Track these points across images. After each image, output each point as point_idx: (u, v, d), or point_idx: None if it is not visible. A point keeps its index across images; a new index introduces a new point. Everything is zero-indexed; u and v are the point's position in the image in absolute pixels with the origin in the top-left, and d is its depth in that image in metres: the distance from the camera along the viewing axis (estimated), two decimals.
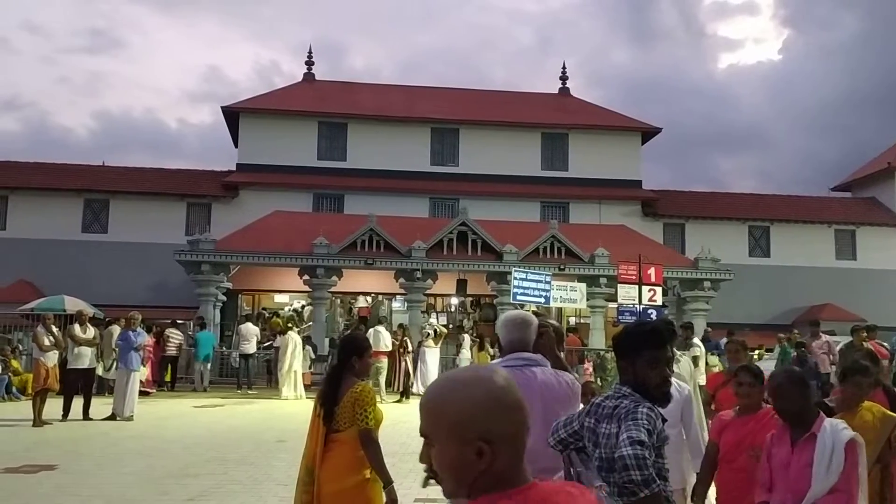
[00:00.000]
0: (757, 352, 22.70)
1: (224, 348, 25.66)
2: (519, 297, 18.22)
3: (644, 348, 3.04)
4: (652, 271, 18.28)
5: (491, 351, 20.42)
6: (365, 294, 29.77)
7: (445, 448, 1.53)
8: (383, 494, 4.60)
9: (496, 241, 26.73)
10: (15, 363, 19.43)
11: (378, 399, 4.88)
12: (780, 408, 4.17)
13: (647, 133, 35.54)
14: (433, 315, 23.81)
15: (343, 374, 4.75)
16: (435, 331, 22.50)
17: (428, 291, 26.76)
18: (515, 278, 18.39)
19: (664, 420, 3.01)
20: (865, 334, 14.26)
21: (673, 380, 3.55)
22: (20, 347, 21.42)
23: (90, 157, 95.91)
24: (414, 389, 20.31)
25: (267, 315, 27.71)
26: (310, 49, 37.43)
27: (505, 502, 1.50)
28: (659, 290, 18.37)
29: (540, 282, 18.55)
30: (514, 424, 1.53)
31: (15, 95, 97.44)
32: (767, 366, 14.12)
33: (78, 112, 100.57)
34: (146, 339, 17.14)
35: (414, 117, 33.79)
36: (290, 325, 21.73)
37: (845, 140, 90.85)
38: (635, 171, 34.64)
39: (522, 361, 3.75)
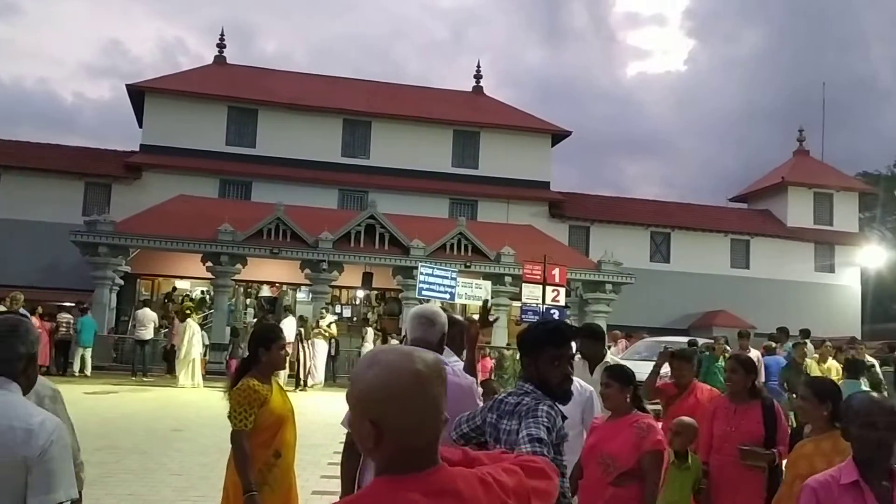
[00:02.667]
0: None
1: (114, 334, 24.89)
2: (424, 293, 18.27)
3: (547, 346, 3.08)
4: (556, 272, 18.60)
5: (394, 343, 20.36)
6: (270, 283, 29.32)
7: (352, 416, 1.63)
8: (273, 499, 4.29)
9: (404, 235, 26.72)
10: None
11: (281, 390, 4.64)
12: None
13: (557, 135, 36.11)
14: (330, 312, 23.40)
15: (250, 366, 4.53)
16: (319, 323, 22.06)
17: (333, 283, 26.55)
18: (422, 273, 18.44)
19: (564, 418, 3.06)
20: (726, 344, 14.81)
21: (576, 380, 3.60)
22: None
23: None
24: (310, 381, 20.15)
25: (177, 299, 26.93)
26: (221, 31, 36.81)
27: (397, 486, 1.54)
28: (562, 290, 18.70)
29: (446, 278, 18.65)
30: (411, 415, 1.56)
31: None
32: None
33: None
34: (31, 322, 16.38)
35: (326, 107, 33.40)
36: (188, 311, 21.25)
37: (744, 152, 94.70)
38: (544, 172, 35.15)
39: None
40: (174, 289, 28.73)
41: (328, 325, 21.80)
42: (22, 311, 14.83)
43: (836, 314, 33.95)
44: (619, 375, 4.50)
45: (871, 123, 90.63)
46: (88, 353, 21.04)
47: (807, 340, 14.63)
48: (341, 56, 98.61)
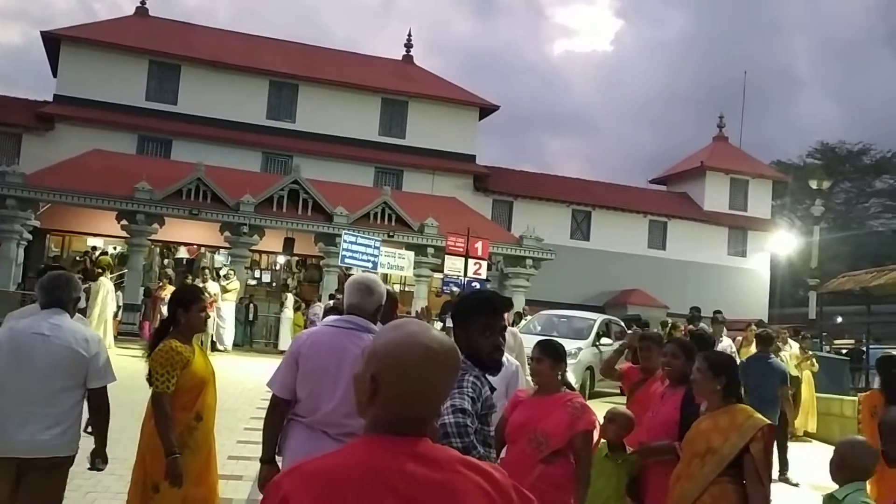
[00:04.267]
0: None
1: (21, 290, 23.97)
2: (347, 260, 18.17)
3: (478, 316, 3.07)
4: (479, 245, 18.74)
5: (317, 310, 20.26)
6: (187, 244, 28.66)
7: (359, 368, 1.73)
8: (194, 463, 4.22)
9: (328, 202, 26.43)
10: None
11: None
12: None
13: (485, 109, 36.18)
14: (235, 273, 22.92)
15: (168, 328, 4.45)
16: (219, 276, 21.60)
17: (254, 247, 26.13)
18: (345, 241, 18.31)
19: (493, 389, 3.05)
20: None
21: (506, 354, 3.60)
22: None
23: None
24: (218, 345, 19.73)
25: (94, 256, 26.02)
26: None
27: (380, 443, 1.65)
28: (484, 264, 18.88)
29: (369, 247, 18.56)
30: (408, 383, 1.66)
31: None
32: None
33: None
34: None
35: (252, 67, 32.64)
36: (100, 270, 20.58)
37: (665, 134, 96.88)
38: (470, 145, 35.22)
39: (349, 325, 3.73)
40: (94, 248, 27.76)
41: (228, 284, 21.22)
42: None
43: (746, 297, 35.18)
44: (551, 351, 4.37)
45: (787, 113, 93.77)
46: None
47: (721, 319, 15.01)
48: (266, 17, 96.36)
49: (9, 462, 3.88)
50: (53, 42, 31.34)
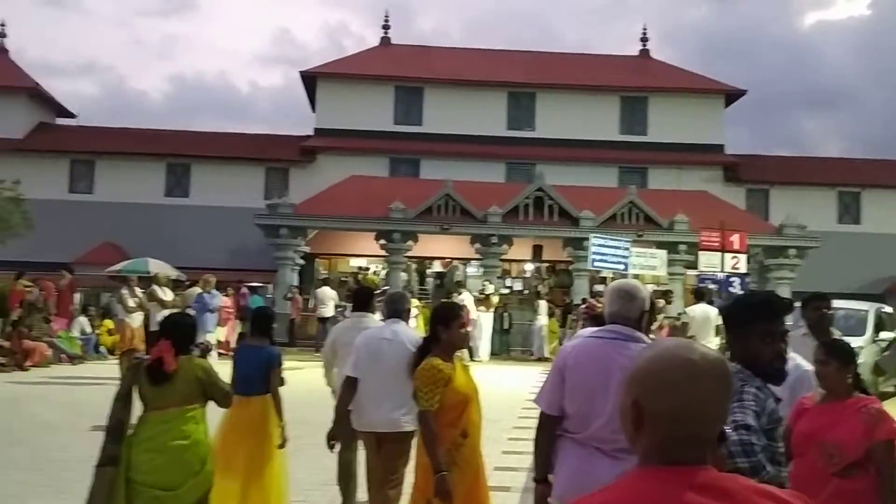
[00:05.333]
0: None
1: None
2: (596, 264, 17.96)
3: (756, 321, 2.84)
4: (735, 238, 17.77)
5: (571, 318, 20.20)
6: (441, 259, 29.80)
7: (621, 396, 1.61)
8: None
9: (573, 206, 26.36)
10: (108, 323, 20.01)
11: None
12: None
13: (731, 95, 34.44)
14: (491, 283, 23.42)
15: (430, 345, 4.51)
16: (485, 294, 21.98)
17: (503, 257, 26.62)
18: (593, 245, 18.10)
19: (777, 400, 2.80)
20: None
21: (793, 356, 3.30)
22: (115, 308, 22.09)
23: (165, 120, 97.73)
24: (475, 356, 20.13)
25: (360, 276, 27.91)
26: (386, 13, 37.32)
27: (657, 476, 1.50)
28: (743, 257, 17.85)
29: (619, 248, 18.22)
30: (674, 403, 1.51)
31: (93, 59, 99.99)
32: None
33: (152, 75, 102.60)
34: (221, 302, 17.35)
35: (490, 81, 33.44)
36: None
37: None
38: (717, 134, 33.64)
39: (613, 335, 3.55)
40: (360, 268, 29.71)
41: (486, 296, 21.63)
42: (214, 291, 15.74)
43: None
44: (839, 352, 3.92)
45: None
46: None
47: None
48: (496, 29, 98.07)
49: (371, 435, 5.20)
50: (310, 80, 34.00)
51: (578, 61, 36.13)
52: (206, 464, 4.41)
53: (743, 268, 17.87)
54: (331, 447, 5.53)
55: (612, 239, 18.92)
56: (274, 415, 5.65)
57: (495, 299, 22.15)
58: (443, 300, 5.48)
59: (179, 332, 4.56)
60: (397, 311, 5.51)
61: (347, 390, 5.27)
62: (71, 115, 37.07)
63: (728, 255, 17.59)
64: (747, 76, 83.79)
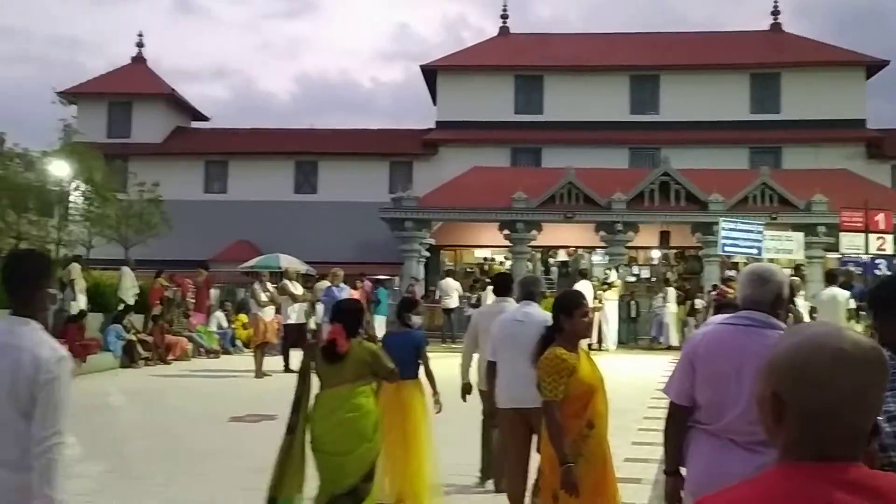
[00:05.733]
0: None
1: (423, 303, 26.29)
2: (727, 249, 17.26)
3: None
4: (880, 217, 16.71)
5: (697, 304, 19.63)
6: (565, 247, 29.47)
7: (758, 386, 1.49)
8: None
9: (701, 190, 25.49)
10: (243, 317, 20.81)
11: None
12: None
13: (872, 66, 32.47)
14: (614, 270, 22.88)
15: (553, 335, 4.41)
16: (608, 282, 21.49)
17: (629, 244, 26.06)
18: (724, 229, 17.39)
19: None
20: None
21: None
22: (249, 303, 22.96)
23: (292, 119, 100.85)
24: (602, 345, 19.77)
25: (485, 266, 28.00)
26: (504, 3, 37.05)
27: (800, 473, 1.37)
28: (889, 238, 16.76)
29: (751, 232, 17.44)
30: (821, 395, 1.37)
31: (223, 64, 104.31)
32: None
33: (279, 76, 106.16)
34: (349, 295, 17.66)
35: (611, 66, 32.81)
36: (488, 280, 21.80)
37: None
38: (858, 109, 31.80)
39: (746, 321, 3.33)
40: (485, 259, 29.82)
41: (608, 284, 21.13)
42: (342, 285, 16.07)
43: None
44: None
45: None
46: (382, 321, 22.41)
47: None
48: (616, 13, 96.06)
49: (514, 411, 5.35)
50: (431, 73, 34.29)
51: (704, 40, 34.91)
52: (376, 433, 4.99)
53: (889, 249, 16.79)
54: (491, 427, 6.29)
55: (743, 222, 18.13)
56: (421, 397, 6.19)
57: (617, 287, 21.67)
58: (566, 289, 5.52)
59: (349, 317, 5.15)
60: (531, 293, 5.82)
61: (489, 374, 5.68)
62: (205, 119, 38.82)
63: (873, 236, 16.57)
64: (891, 45, 78.68)
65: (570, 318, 4.38)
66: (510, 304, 6.47)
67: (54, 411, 2.90)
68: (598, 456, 4.24)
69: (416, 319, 6.65)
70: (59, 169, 24.95)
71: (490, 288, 19.31)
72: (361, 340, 5.23)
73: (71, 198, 26.55)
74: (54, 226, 26.40)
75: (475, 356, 6.80)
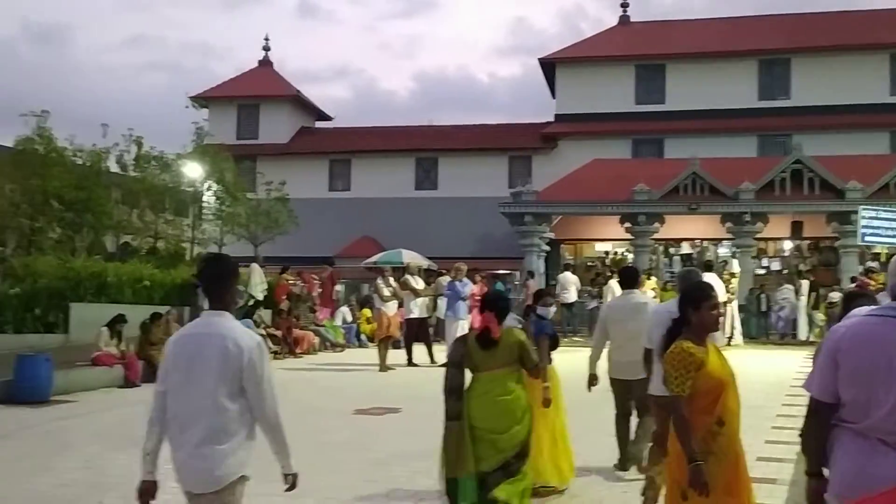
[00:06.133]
0: None
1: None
2: (868, 238, 16.48)
3: None
4: None
5: (833, 297, 18.71)
6: (689, 240, 28.65)
7: None
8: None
9: (837, 177, 24.23)
10: (367, 312, 21.23)
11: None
12: None
13: None
14: (736, 258, 21.89)
15: (680, 328, 4.23)
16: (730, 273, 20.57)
17: (758, 235, 25.06)
18: (864, 217, 16.57)
19: None
20: None
21: None
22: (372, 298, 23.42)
23: (412, 117, 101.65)
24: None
25: (607, 260, 27.62)
26: None
27: None
28: None
29: (894, 220, 16.50)
30: None
31: (345, 64, 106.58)
32: None
33: (399, 74, 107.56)
34: (472, 289, 17.71)
35: (738, 51, 31.66)
36: (609, 273, 21.46)
37: None
38: None
39: (894, 313, 3.09)
40: (607, 253, 29.34)
41: (731, 274, 20.22)
42: (464, 279, 16.12)
43: None
44: None
45: None
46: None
47: None
48: None
49: (623, 382, 6.80)
50: (549, 66, 34.00)
51: (840, 20, 33.15)
52: (527, 413, 5.31)
53: None
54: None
55: (885, 210, 17.17)
56: (556, 381, 6.68)
57: (737, 276, 20.75)
58: (692, 281, 5.40)
59: (499, 306, 5.46)
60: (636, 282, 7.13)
61: (646, 362, 5.95)
62: (328, 118, 39.81)
63: None
64: None
65: (698, 311, 4.20)
66: (637, 295, 7.07)
67: (267, 387, 3.64)
68: (730, 454, 4.05)
69: (547, 310, 7.00)
70: (193, 170, 26.19)
71: (613, 281, 19.10)
72: (512, 329, 5.55)
73: (204, 198, 27.78)
74: (188, 225, 27.72)
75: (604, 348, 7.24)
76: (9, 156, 24.54)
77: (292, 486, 3.85)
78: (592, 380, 7.00)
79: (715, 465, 3.93)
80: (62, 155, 24.39)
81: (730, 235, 25.03)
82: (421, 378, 13.90)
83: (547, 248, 27.23)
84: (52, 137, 24.40)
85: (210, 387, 3.50)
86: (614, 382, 7.04)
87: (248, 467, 3.65)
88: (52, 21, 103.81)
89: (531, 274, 23.96)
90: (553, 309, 7.25)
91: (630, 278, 7.38)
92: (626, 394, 6.90)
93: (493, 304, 5.45)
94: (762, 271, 26.41)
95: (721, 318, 16.95)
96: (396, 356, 15.37)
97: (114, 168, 26.15)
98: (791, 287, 21.55)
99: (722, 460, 3.98)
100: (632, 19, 36.10)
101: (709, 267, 20.04)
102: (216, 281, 3.70)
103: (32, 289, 16.63)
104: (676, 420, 4.01)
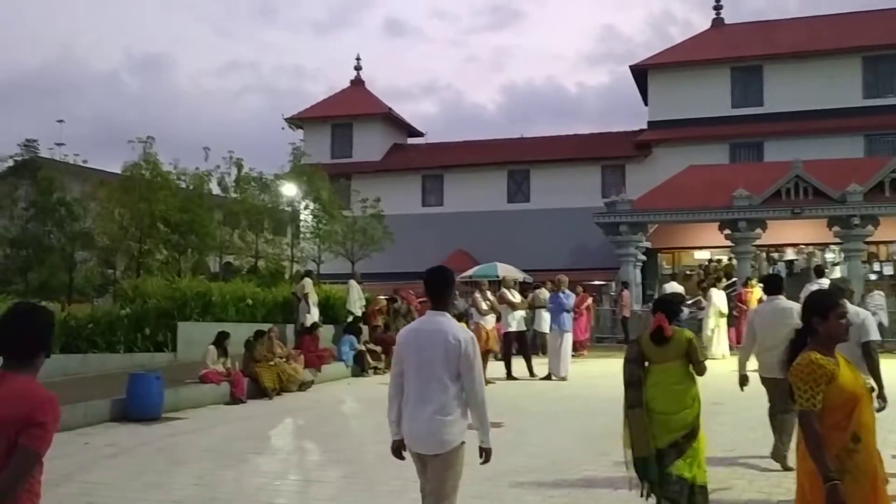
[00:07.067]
0: None
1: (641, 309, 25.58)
2: None
3: None
4: None
5: None
6: (793, 245, 27.64)
7: None
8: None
9: None
10: (464, 326, 21.18)
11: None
12: None
13: None
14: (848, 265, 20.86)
15: (805, 339, 3.99)
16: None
17: (868, 239, 23.99)
18: None
19: None
20: None
21: None
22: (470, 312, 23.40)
23: (501, 129, 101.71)
24: None
25: (709, 268, 26.93)
26: None
27: None
28: None
29: None
30: None
31: (433, 80, 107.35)
32: None
33: (487, 88, 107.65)
34: (574, 300, 17.44)
35: (840, 48, 30.52)
36: (713, 282, 20.83)
37: None
38: None
39: None
40: (710, 261, 28.51)
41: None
42: (567, 291, 15.92)
43: None
44: None
45: None
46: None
47: None
48: None
49: (772, 380, 7.05)
50: (641, 73, 33.49)
51: None
52: (696, 400, 5.94)
53: None
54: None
55: None
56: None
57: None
58: (816, 289, 5.35)
59: (670, 307, 6.11)
60: (841, 291, 6.61)
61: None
62: (419, 135, 40.15)
63: None
64: None
65: (825, 321, 3.96)
66: (782, 301, 7.67)
67: (476, 373, 4.49)
68: (868, 472, 3.79)
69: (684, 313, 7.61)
70: (290, 190, 26.73)
71: (714, 290, 18.56)
72: (682, 328, 6.23)
73: (301, 216, 28.31)
74: (287, 243, 28.29)
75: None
76: (118, 182, 25.54)
77: (486, 460, 4.59)
78: (743, 380, 7.47)
79: (852, 484, 3.68)
80: (167, 179, 25.22)
81: (837, 240, 24.05)
82: (521, 391, 13.78)
83: (643, 257, 26.73)
84: (157, 162, 25.27)
85: (438, 372, 4.43)
86: (765, 381, 7.63)
87: (464, 435, 4.50)
88: (152, 50, 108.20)
89: (625, 285, 23.55)
90: (687, 311, 7.71)
91: (775, 285, 8.05)
92: (776, 390, 7.34)
93: (665, 306, 6.12)
94: (874, 276, 25.25)
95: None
96: (495, 369, 15.26)
97: (215, 190, 26.89)
98: (881, 293, 20.45)
99: (859, 479, 3.73)
100: (726, 21, 35.26)
101: (819, 272, 19.24)
102: (439, 287, 4.67)
103: (142, 309, 17.18)
104: (808, 436, 3.77)
